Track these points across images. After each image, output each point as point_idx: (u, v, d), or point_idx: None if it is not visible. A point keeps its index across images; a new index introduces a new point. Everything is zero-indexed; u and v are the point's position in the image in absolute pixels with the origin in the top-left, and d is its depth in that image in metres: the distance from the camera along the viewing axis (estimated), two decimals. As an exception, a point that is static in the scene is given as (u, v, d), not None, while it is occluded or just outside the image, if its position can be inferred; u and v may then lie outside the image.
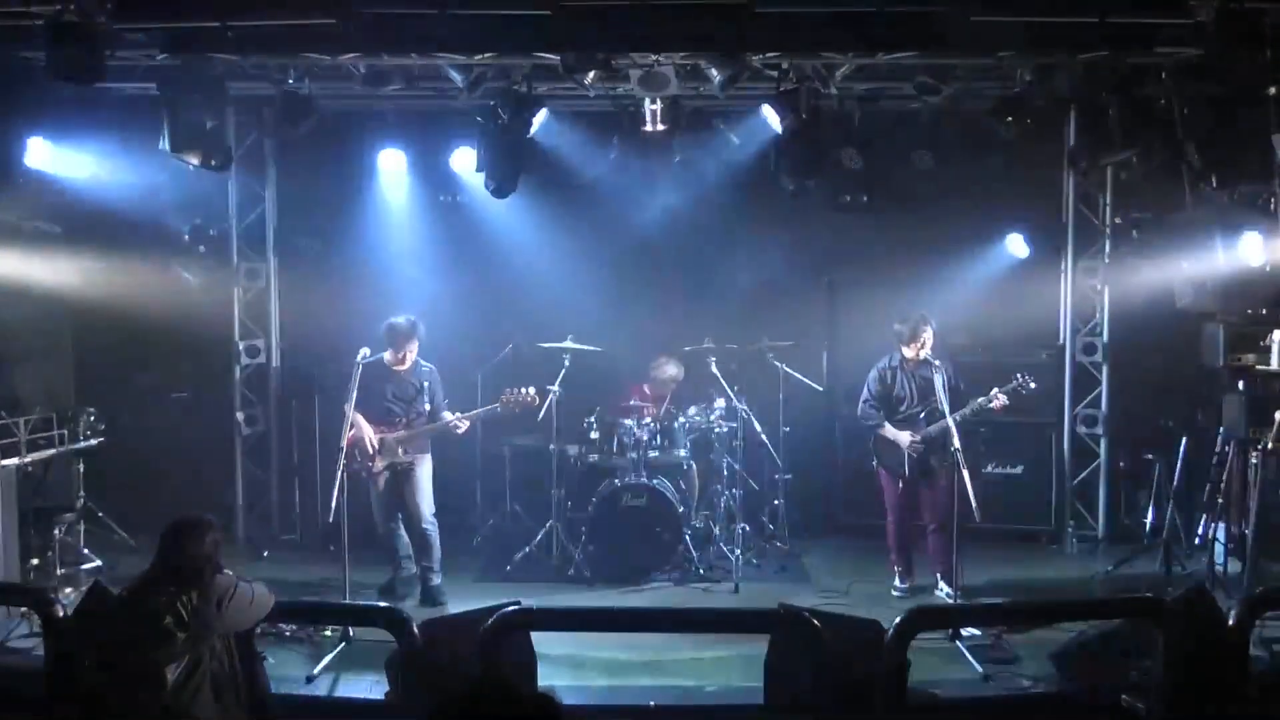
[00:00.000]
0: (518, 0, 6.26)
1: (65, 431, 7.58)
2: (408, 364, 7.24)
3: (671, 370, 8.35)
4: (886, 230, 8.78)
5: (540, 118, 7.54)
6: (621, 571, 7.54)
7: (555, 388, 7.73)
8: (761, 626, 5.13)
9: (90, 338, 8.77)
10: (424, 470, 7.22)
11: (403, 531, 7.33)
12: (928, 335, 7.06)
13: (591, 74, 6.72)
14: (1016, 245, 8.69)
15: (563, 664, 5.67)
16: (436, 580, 7.16)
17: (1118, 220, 8.48)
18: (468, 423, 7.27)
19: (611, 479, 7.79)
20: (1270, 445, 6.90)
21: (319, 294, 8.66)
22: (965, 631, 6.07)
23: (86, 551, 7.67)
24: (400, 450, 7.11)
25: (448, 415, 7.26)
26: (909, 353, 7.14)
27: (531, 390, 7.29)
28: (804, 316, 8.95)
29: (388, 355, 7.18)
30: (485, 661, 4.50)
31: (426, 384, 7.25)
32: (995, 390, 6.90)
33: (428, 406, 7.22)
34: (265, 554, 8.30)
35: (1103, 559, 8.06)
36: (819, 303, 9.17)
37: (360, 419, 7.02)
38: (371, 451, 7.06)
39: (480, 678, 2.53)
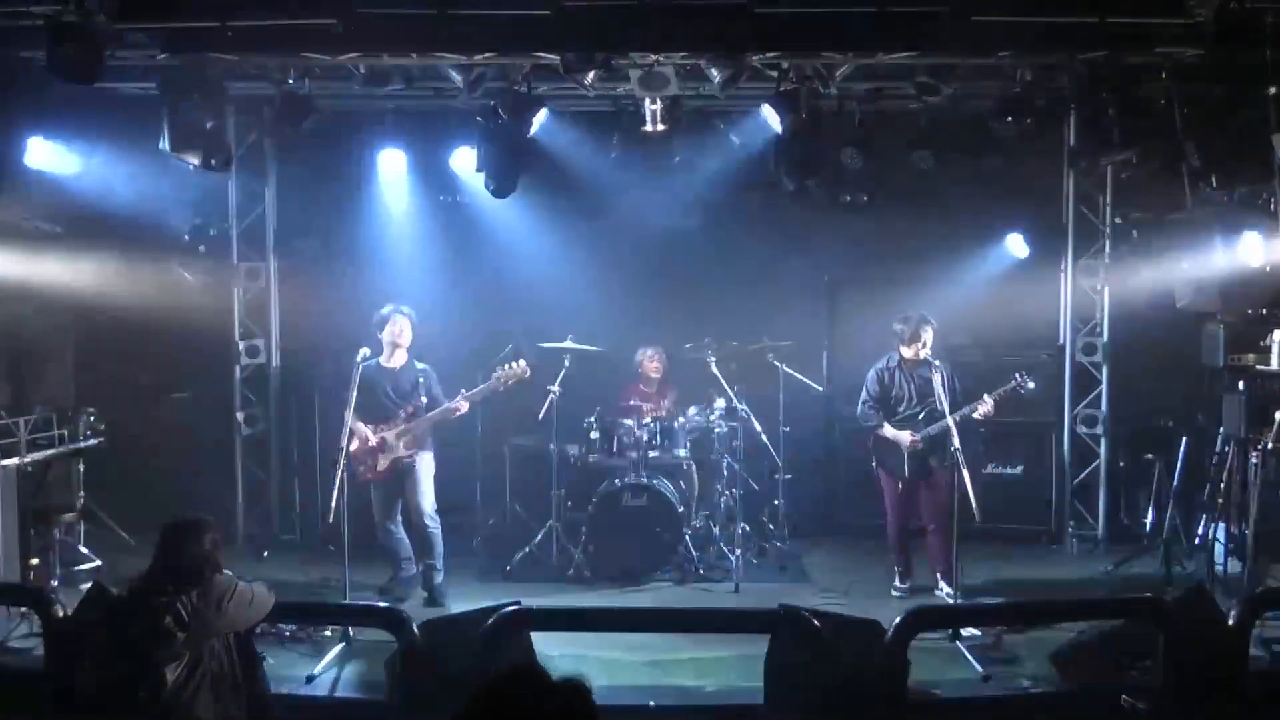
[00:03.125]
0: (518, 0, 6.25)
1: (65, 431, 7.59)
2: (403, 361, 7.23)
3: (656, 359, 8.34)
4: (886, 230, 8.78)
5: (540, 118, 7.54)
6: (621, 571, 7.54)
7: (555, 388, 7.73)
8: (761, 626, 5.12)
9: (90, 338, 8.77)
10: (425, 466, 7.20)
11: (403, 533, 7.31)
12: (928, 335, 7.06)
13: (591, 74, 6.71)
14: (1017, 245, 8.68)
15: (563, 664, 5.65)
16: (439, 579, 7.15)
17: (1118, 220, 8.49)
18: (467, 404, 7.20)
19: (611, 479, 7.79)
20: (1270, 445, 6.90)
21: (319, 294, 8.66)
22: (965, 631, 6.07)
23: (86, 551, 7.68)
24: (401, 445, 7.10)
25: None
26: (908, 353, 7.14)
27: (522, 362, 7.26)
28: (804, 316, 8.94)
29: (383, 355, 7.18)
30: (487, 660, 4.50)
31: (422, 380, 7.23)
32: (985, 396, 6.88)
33: (424, 400, 7.20)
34: (265, 554, 8.30)
35: (1103, 559, 8.06)
36: (819, 303, 9.16)
37: (358, 424, 6.99)
38: (374, 450, 7.06)
39: (512, 666, 2.53)
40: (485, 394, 7.32)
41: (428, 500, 7.17)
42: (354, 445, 6.99)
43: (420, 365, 7.30)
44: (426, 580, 7.17)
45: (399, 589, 7.25)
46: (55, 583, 7.03)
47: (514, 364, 7.25)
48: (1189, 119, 7.33)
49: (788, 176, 8.12)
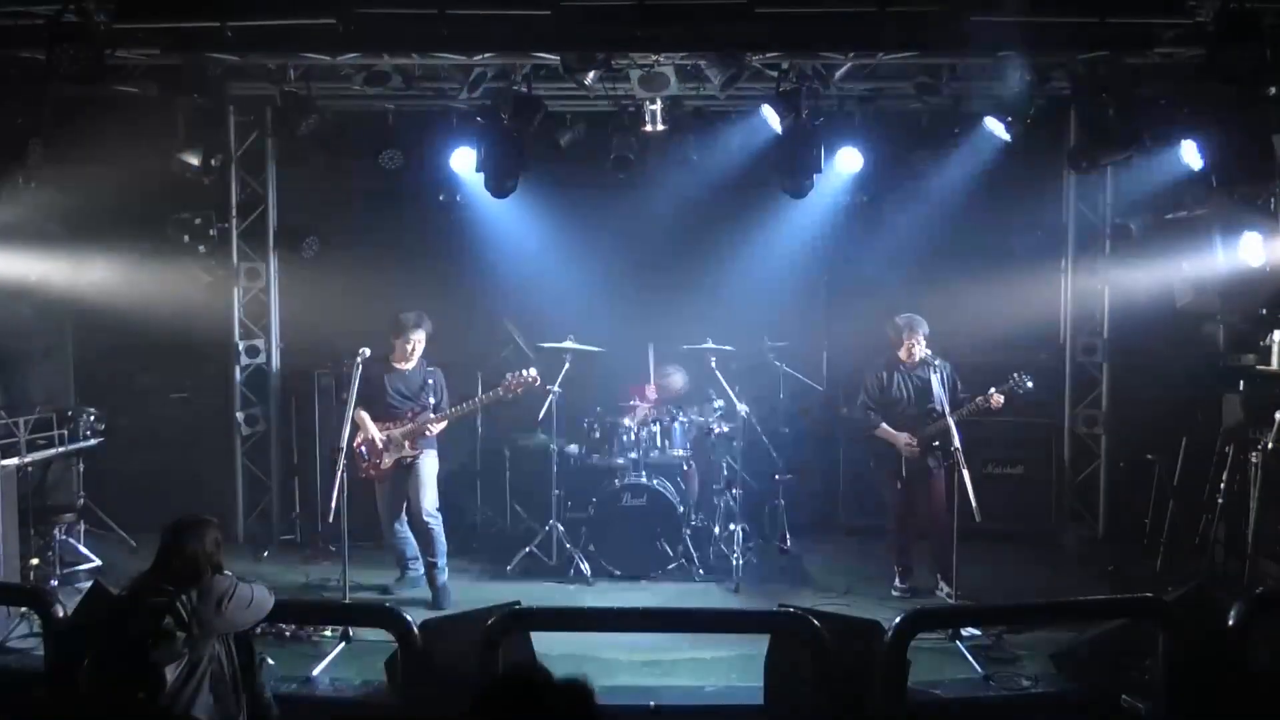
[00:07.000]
0: (518, 0, 6.26)
1: (65, 431, 7.58)
2: (412, 363, 7.25)
3: (680, 381, 8.39)
4: (887, 230, 8.77)
5: (540, 117, 7.53)
6: (621, 571, 7.54)
7: (555, 388, 7.74)
8: (761, 626, 5.13)
9: (90, 338, 8.76)
10: (429, 464, 7.24)
11: (408, 532, 7.33)
12: (920, 336, 7.04)
13: (591, 74, 6.71)
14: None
15: (563, 664, 5.64)
16: (443, 578, 7.17)
17: (1118, 220, 8.48)
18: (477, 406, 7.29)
19: (611, 479, 7.79)
20: (1270, 445, 6.90)
21: (319, 294, 8.66)
22: (965, 631, 6.07)
23: (86, 551, 7.68)
24: (407, 444, 7.14)
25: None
26: (902, 354, 7.14)
27: (533, 371, 7.31)
28: (804, 316, 8.94)
29: (393, 354, 7.20)
30: (487, 660, 4.50)
31: (431, 382, 7.28)
32: (992, 389, 6.89)
33: (433, 400, 7.26)
34: (265, 554, 8.30)
35: (1103, 559, 8.06)
36: (819, 303, 9.16)
37: (364, 416, 7.07)
38: (379, 448, 7.08)
39: (515, 667, 2.56)
40: (495, 400, 7.39)
41: (429, 498, 7.19)
42: (358, 440, 7.04)
43: (430, 368, 7.33)
44: (430, 579, 7.18)
45: (405, 590, 7.27)
46: (55, 583, 7.04)
47: (525, 372, 7.30)
48: (1189, 119, 7.35)
49: (788, 176, 8.14)
